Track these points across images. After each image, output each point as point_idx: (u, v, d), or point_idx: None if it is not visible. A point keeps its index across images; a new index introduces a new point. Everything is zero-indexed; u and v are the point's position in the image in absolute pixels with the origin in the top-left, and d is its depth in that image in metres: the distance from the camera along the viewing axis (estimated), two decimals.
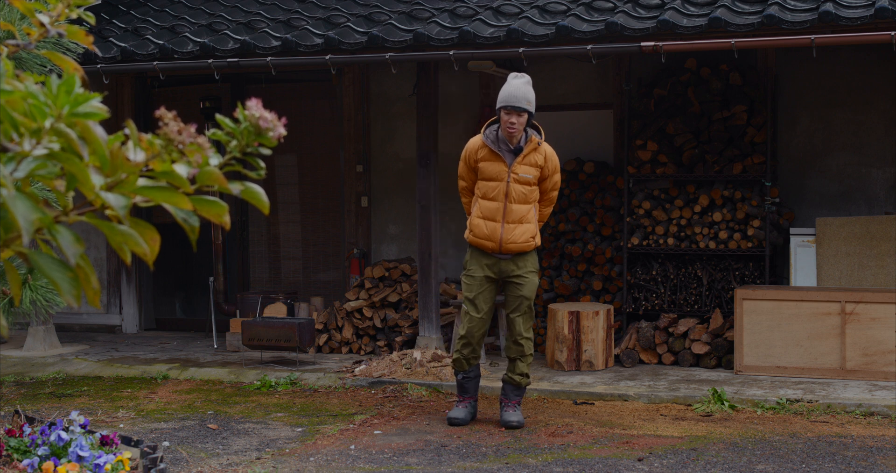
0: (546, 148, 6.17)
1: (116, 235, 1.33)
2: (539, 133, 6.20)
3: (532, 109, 6.00)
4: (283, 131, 1.36)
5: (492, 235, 6.11)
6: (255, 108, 1.32)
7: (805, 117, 8.49)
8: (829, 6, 6.58)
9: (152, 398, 7.18)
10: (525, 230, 6.12)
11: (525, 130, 6.11)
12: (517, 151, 6.10)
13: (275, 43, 7.74)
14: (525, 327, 6.18)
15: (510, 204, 6.09)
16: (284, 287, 9.78)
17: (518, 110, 5.95)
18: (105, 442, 4.83)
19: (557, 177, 6.25)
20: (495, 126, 6.17)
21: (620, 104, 8.72)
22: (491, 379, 7.24)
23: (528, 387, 6.93)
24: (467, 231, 6.24)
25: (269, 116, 1.32)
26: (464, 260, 6.35)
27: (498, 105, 6.03)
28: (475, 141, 6.22)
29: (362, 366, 7.82)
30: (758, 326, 7.42)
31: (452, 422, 6.23)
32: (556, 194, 6.28)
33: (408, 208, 9.38)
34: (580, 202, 8.64)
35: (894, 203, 8.24)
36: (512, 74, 6.11)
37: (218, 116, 1.38)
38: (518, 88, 5.99)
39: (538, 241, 6.21)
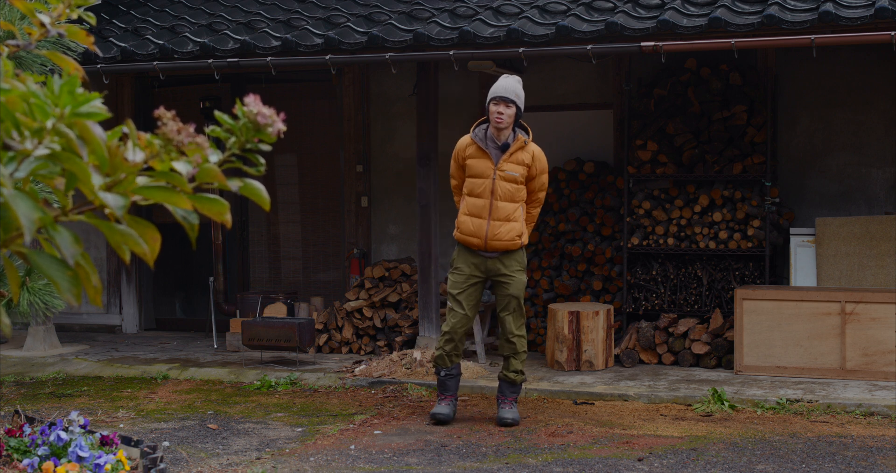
0: (534, 148, 6.27)
1: (115, 234, 1.33)
2: (527, 134, 6.28)
3: (520, 103, 6.16)
4: (281, 127, 1.36)
5: (477, 231, 6.17)
6: (253, 104, 1.32)
7: (805, 117, 8.49)
8: (829, 6, 6.58)
9: (152, 398, 7.17)
10: (511, 229, 6.17)
11: (514, 131, 6.23)
12: (504, 149, 6.19)
13: (275, 43, 7.74)
14: (516, 325, 6.23)
15: (496, 201, 6.16)
16: (284, 287, 9.77)
17: (506, 101, 6.10)
18: (105, 442, 4.83)
19: (545, 178, 6.31)
20: (484, 125, 6.29)
21: (620, 104, 8.71)
22: (491, 379, 7.24)
23: (524, 385, 6.97)
24: (455, 229, 6.31)
25: (268, 111, 1.32)
26: (451, 258, 6.40)
27: (488, 99, 6.19)
28: (464, 139, 6.35)
29: (362, 366, 7.82)
30: (758, 326, 7.42)
31: (437, 418, 6.23)
32: (543, 194, 6.35)
33: (408, 208, 9.38)
34: (580, 202, 8.64)
35: (894, 203, 8.24)
36: (503, 75, 6.32)
37: (217, 113, 1.38)
38: (507, 81, 6.19)
39: (525, 240, 6.25)
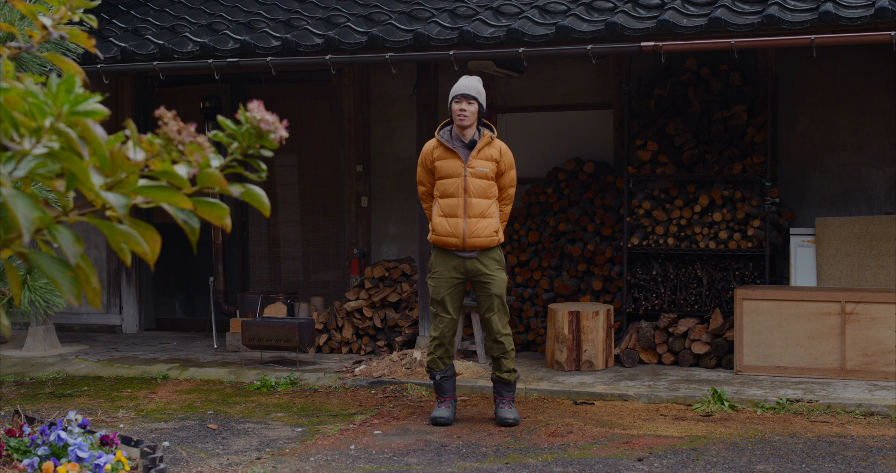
0: (500, 143, 6.32)
1: (116, 234, 1.33)
2: (492, 131, 6.31)
3: (482, 100, 6.21)
4: (284, 134, 1.36)
5: (454, 230, 6.17)
6: (256, 110, 1.32)
7: (805, 117, 8.49)
8: (829, 6, 6.58)
9: (152, 398, 7.17)
10: (488, 225, 6.19)
11: (479, 128, 6.27)
12: (471, 146, 6.22)
13: (275, 43, 7.74)
14: (502, 324, 6.24)
15: (470, 199, 6.17)
16: (284, 287, 9.77)
17: (467, 97, 6.15)
18: (105, 442, 4.83)
19: (513, 174, 6.34)
20: (448, 127, 6.32)
21: (620, 104, 8.71)
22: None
23: (520, 382, 6.99)
24: (430, 233, 6.30)
25: (271, 118, 1.32)
26: (429, 263, 6.39)
27: (450, 99, 6.23)
28: (429, 143, 6.38)
29: (362, 366, 7.82)
30: (758, 326, 7.42)
31: (437, 422, 6.24)
32: (513, 191, 6.37)
33: (408, 208, 9.38)
34: (580, 202, 8.64)
35: (894, 203, 8.24)
36: (464, 76, 6.39)
37: (219, 118, 1.38)
38: (468, 80, 6.25)
39: (501, 237, 6.27)
